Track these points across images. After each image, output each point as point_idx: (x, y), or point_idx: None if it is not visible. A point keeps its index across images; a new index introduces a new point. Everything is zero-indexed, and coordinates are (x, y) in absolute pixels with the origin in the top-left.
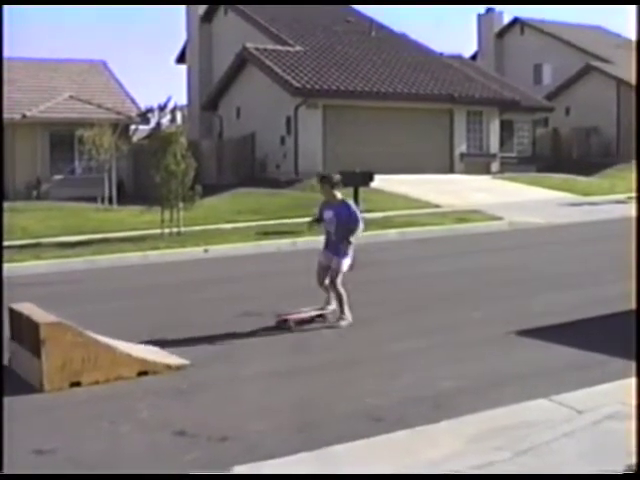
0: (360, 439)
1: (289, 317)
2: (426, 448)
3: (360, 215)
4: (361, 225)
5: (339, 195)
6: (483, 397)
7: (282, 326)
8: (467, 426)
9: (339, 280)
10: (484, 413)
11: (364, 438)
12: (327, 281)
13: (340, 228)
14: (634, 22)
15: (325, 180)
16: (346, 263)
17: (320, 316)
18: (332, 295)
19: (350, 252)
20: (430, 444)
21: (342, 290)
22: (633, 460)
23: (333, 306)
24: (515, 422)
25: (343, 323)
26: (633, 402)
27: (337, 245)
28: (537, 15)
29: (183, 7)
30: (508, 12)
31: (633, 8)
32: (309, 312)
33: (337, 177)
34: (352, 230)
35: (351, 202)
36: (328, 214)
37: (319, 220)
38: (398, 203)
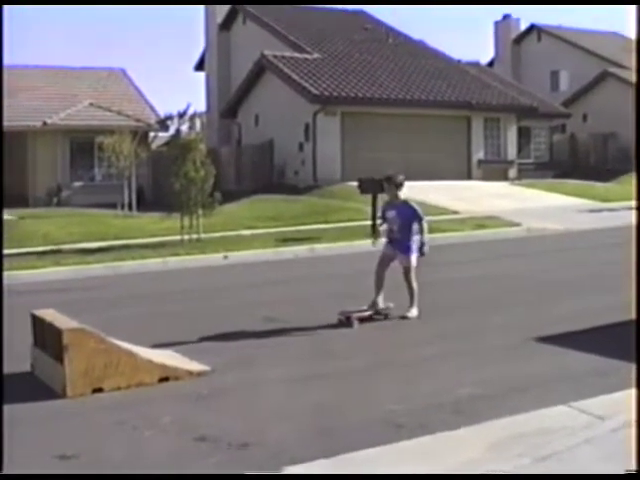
0: (381, 445)
1: (352, 315)
2: (447, 454)
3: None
4: (425, 222)
5: (401, 195)
6: (503, 403)
7: (345, 323)
8: (488, 432)
9: (413, 275)
10: (505, 419)
11: (385, 444)
12: (403, 278)
13: (404, 226)
14: (634, 22)
15: (390, 181)
16: (414, 258)
17: (378, 313)
18: (379, 295)
19: (415, 247)
20: (451, 450)
21: (415, 284)
22: None
23: (381, 304)
24: (535, 429)
25: (412, 313)
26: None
27: (402, 242)
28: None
29: (202, 15)
30: (525, 18)
31: (633, 8)
32: (368, 311)
33: (401, 178)
34: (421, 227)
35: (413, 202)
36: (391, 213)
37: (377, 232)
38: None
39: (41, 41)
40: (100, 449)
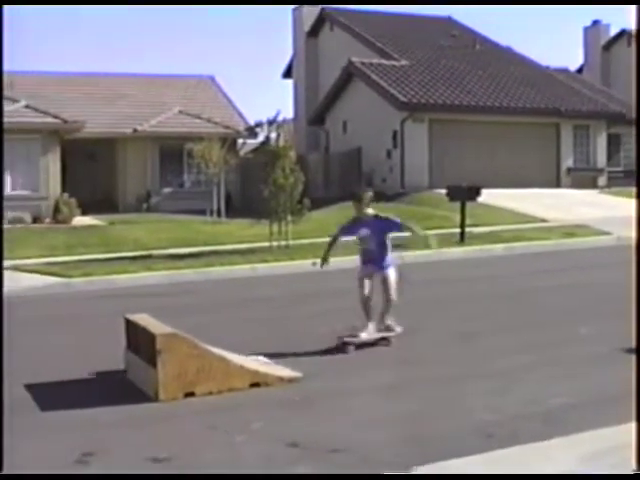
0: (472, 454)
1: (349, 340)
2: (540, 465)
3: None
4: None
5: (370, 210)
6: (595, 414)
7: (342, 350)
8: (581, 443)
9: (394, 292)
10: (597, 431)
11: (476, 454)
12: (388, 296)
13: (381, 242)
14: (634, 22)
15: (356, 197)
16: (394, 272)
17: (384, 339)
18: (377, 315)
19: (393, 262)
20: (544, 461)
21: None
22: None
23: (398, 329)
24: (629, 441)
25: (395, 332)
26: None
27: (380, 260)
28: None
29: (290, 22)
30: (615, 24)
31: (633, 8)
32: (373, 335)
33: (369, 194)
34: (407, 227)
35: (382, 213)
36: (364, 231)
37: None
38: (504, 217)
39: (131, 49)
40: (192, 453)
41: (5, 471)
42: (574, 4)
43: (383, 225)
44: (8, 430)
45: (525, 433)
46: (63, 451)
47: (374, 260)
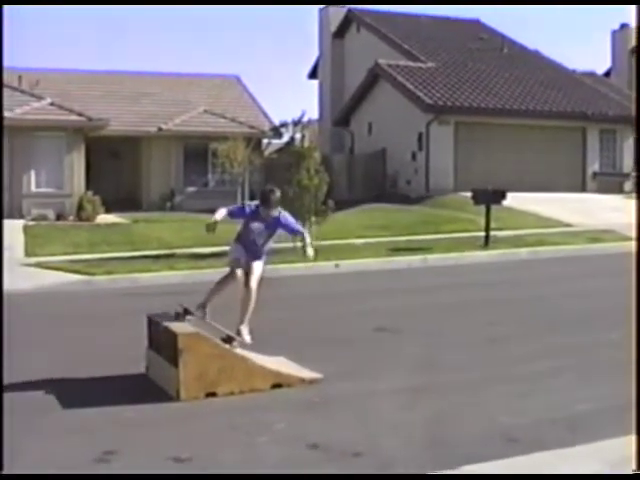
0: (496, 459)
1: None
2: (565, 471)
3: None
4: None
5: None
6: (621, 421)
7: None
8: (607, 450)
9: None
10: (624, 438)
11: (500, 459)
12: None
13: (269, 238)
14: (634, 22)
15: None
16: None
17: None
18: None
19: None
20: (570, 468)
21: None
22: None
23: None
24: None
25: (245, 335)
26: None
27: (259, 251)
28: None
29: (316, 23)
30: None
31: (633, 8)
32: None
33: (277, 195)
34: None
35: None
36: (258, 226)
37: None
38: (529, 221)
39: (157, 47)
40: (214, 453)
41: (7, 471)
42: (574, 4)
43: (277, 224)
44: (8, 430)
45: (549, 438)
46: (84, 449)
47: (254, 252)
